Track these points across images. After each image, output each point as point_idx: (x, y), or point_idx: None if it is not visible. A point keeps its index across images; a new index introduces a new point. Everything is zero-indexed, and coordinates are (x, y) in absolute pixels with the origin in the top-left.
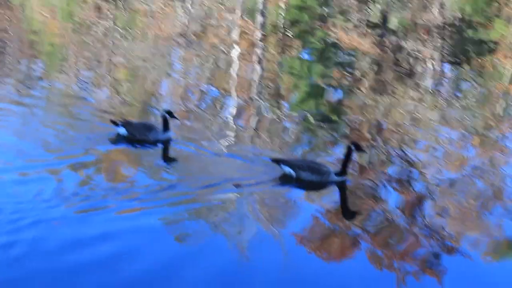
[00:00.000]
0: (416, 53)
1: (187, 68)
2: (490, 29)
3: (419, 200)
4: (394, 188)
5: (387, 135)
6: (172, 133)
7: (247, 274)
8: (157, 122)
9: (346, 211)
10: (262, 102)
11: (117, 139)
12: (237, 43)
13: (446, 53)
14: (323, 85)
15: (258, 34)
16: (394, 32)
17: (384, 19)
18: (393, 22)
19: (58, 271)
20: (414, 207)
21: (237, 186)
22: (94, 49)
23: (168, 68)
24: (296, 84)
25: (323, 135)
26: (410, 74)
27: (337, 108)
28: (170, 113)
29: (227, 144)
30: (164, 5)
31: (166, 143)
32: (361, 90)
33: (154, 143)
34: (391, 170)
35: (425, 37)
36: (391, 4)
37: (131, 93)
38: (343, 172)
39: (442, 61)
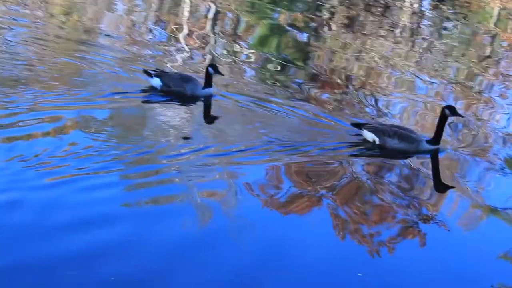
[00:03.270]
0: None
1: (131, 4)
2: None
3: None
4: (365, 149)
5: (357, 84)
6: (213, 90)
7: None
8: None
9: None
10: (218, 43)
11: (149, 92)
12: None
13: None
14: (286, 25)
15: None
16: None
17: None
18: None
19: (31, 240)
20: (386, 169)
21: (186, 138)
22: None
23: (109, 7)
24: (255, 23)
25: (285, 81)
26: (385, 12)
27: (303, 51)
28: (214, 67)
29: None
30: None
31: (206, 100)
32: (329, 31)
33: (191, 97)
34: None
35: None
36: None
37: (68, 29)
38: (436, 140)
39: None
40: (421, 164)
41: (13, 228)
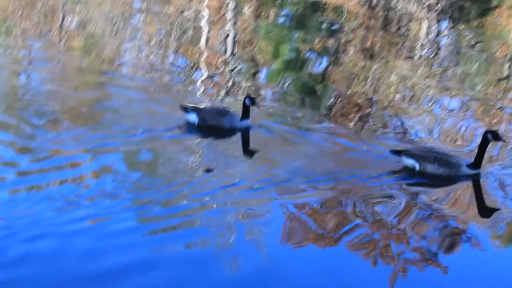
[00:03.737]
0: (408, 14)
1: (150, 36)
2: None
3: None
4: (406, 175)
5: (379, 107)
6: (250, 122)
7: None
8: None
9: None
10: (239, 69)
11: (186, 128)
12: (206, 9)
13: (442, 13)
14: (304, 51)
15: None
16: None
17: None
18: None
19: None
20: (428, 195)
21: (208, 170)
22: (45, 17)
23: (128, 37)
24: (275, 51)
25: (308, 108)
26: (402, 37)
27: (322, 76)
28: (252, 99)
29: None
30: None
31: (244, 132)
32: (348, 55)
33: (228, 131)
34: (388, 143)
35: None
36: None
37: (87, 62)
38: (477, 164)
39: (437, 22)
40: (462, 188)
41: (49, 277)
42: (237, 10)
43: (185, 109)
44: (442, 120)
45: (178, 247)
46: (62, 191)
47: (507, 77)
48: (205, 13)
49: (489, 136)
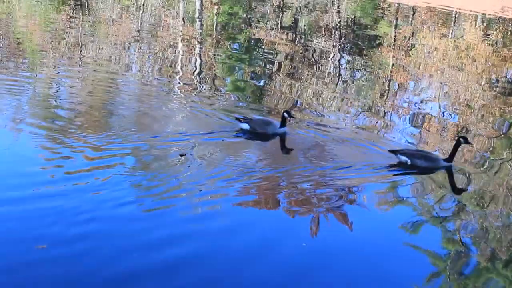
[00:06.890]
0: (320, 48)
1: (143, 62)
2: (375, 29)
3: (328, 162)
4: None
5: (300, 110)
6: (287, 129)
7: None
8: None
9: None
10: (202, 86)
11: (241, 133)
12: (181, 42)
13: (342, 48)
14: (249, 73)
15: (197, 35)
16: (303, 32)
17: (295, 22)
18: (302, 24)
19: (123, 273)
20: (323, 166)
21: (182, 155)
22: (68, 48)
23: (127, 63)
24: (228, 72)
25: (254, 109)
26: (316, 64)
27: (261, 90)
28: (288, 113)
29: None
30: (122, 14)
31: (282, 136)
32: (279, 77)
33: (272, 136)
34: (305, 136)
35: (326, 35)
36: (300, 10)
37: (100, 78)
38: (450, 159)
39: (340, 54)
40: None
41: (105, 232)
42: (202, 46)
43: (239, 120)
44: (343, 117)
45: (176, 212)
46: (95, 178)
47: (386, 91)
48: (180, 48)
49: (462, 140)
